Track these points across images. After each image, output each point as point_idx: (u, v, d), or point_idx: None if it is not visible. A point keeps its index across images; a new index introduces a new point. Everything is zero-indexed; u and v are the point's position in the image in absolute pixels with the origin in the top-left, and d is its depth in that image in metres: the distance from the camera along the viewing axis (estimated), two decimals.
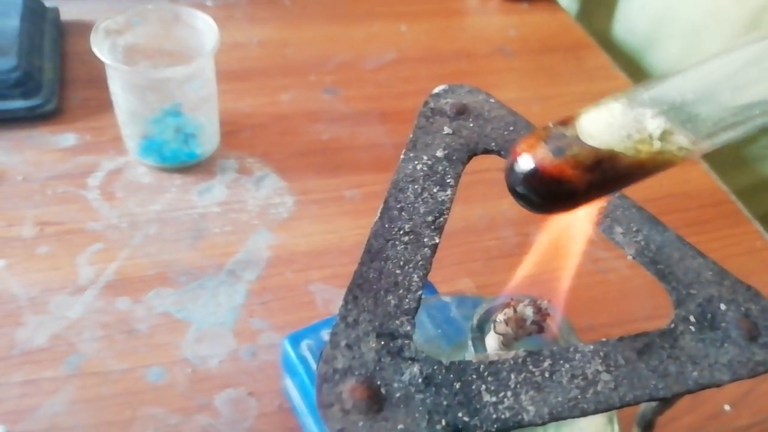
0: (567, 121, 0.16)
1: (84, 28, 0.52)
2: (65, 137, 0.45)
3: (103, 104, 0.45)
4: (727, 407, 0.38)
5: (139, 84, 0.39)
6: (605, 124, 0.15)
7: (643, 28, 0.64)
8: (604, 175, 0.15)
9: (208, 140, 0.44)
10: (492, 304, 0.21)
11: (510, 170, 0.16)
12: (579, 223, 0.19)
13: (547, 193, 0.15)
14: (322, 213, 0.43)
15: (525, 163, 0.15)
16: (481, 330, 0.20)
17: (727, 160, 0.55)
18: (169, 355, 0.35)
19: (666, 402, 0.23)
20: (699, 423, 0.37)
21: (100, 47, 0.39)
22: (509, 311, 0.20)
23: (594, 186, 0.15)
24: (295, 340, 0.31)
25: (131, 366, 0.34)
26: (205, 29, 0.41)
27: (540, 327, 0.20)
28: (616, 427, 0.25)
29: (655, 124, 0.15)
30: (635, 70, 0.63)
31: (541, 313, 0.19)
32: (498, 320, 0.20)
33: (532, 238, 0.19)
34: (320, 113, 0.50)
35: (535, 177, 0.15)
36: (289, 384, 0.32)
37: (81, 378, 0.33)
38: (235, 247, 0.40)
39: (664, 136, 0.15)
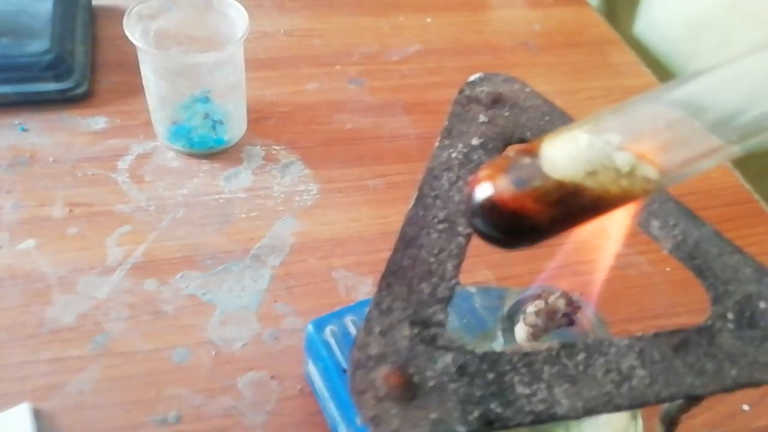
0: (530, 150, 0.15)
1: (115, 13, 0.52)
2: (96, 120, 0.45)
3: (133, 89, 0.46)
4: (745, 407, 0.37)
5: (171, 69, 0.39)
6: (570, 156, 0.14)
7: (672, 31, 0.63)
8: (567, 209, 0.14)
9: (236, 127, 0.45)
10: (522, 295, 0.21)
11: (469, 201, 0.15)
12: (617, 215, 0.18)
13: (506, 228, 0.14)
14: (345, 201, 0.44)
15: (483, 193, 0.14)
16: (510, 320, 0.20)
17: (756, 168, 0.54)
18: (194, 337, 0.35)
19: (694, 400, 0.23)
20: (716, 421, 0.37)
21: (133, 31, 0.39)
22: (540, 303, 0.20)
23: (557, 221, 0.14)
24: (319, 325, 0.31)
25: (157, 347, 0.35)
26: (236, 16, 0.41)
27: (571, 320, 0.19)
28: (640, 422, 0.25)
29: (624, 159, 0.14)
30: (662, 71, 0.62)
31: (573, 306, 0.19)
32: (528, 311, 0.20)
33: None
34: (345, 103, 0.50)
35: (494, 210, 0.14)
36: (312, 369, 0.32)
37: (107, 357, 0.34)
38: (260, 233, 0.41)
39: (632, 171, 0.14)
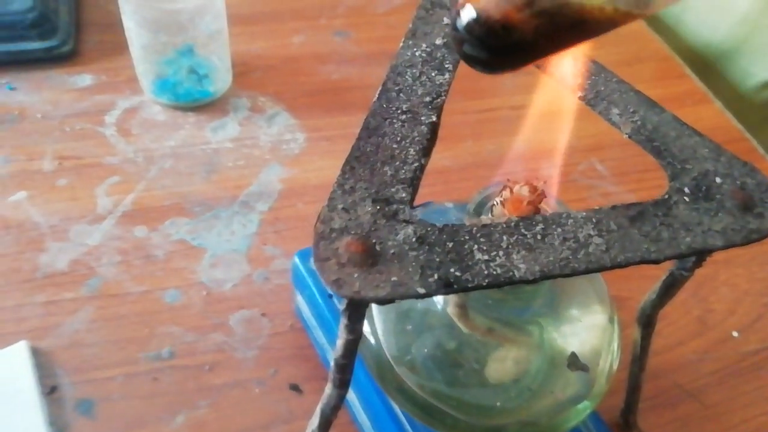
0: None
1: None
2: (82, 78, 0.46)
3: (118, 47, 0.46)
4: (735, 333, 0.38)
5: (152, 17, 0.40)
6: None
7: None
8: (552, 20, 0.14)
9: (221, 79, 0.45)
10: (488, 189, 0.21)
11: (453, 26, 0.14)
12: (564, 96, 0.18)
13: (494, 44, 0.14)
14: (332, 149, 0.44)
15: (468, 12, 0.14)
16: (478, 214, 0.21)
17: (756, 119, 0.54)
18: (185, 279, 0.36)
19: (665, 294, 0.24)
20: (707, 347, 0.37)
21: None
22: (506, 193, 0.20)
23: (542, 34, 0.14)
24: (305, 255, 0.32)
25: (148, 288, 0.35)
26: None
27: (536, 208, 0.20)
28: (616, 327, 0.26)
29: None
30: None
31: (537, 194, 0.20)
32: (495, 203, 0.20)
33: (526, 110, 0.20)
34: (331, 55, 0.50)
35: (479, 25, 0.14)
36: (300, 300, 0.33)
37: (100, 299, 0.35)
38: (247, 180, 0.41)
39: None
